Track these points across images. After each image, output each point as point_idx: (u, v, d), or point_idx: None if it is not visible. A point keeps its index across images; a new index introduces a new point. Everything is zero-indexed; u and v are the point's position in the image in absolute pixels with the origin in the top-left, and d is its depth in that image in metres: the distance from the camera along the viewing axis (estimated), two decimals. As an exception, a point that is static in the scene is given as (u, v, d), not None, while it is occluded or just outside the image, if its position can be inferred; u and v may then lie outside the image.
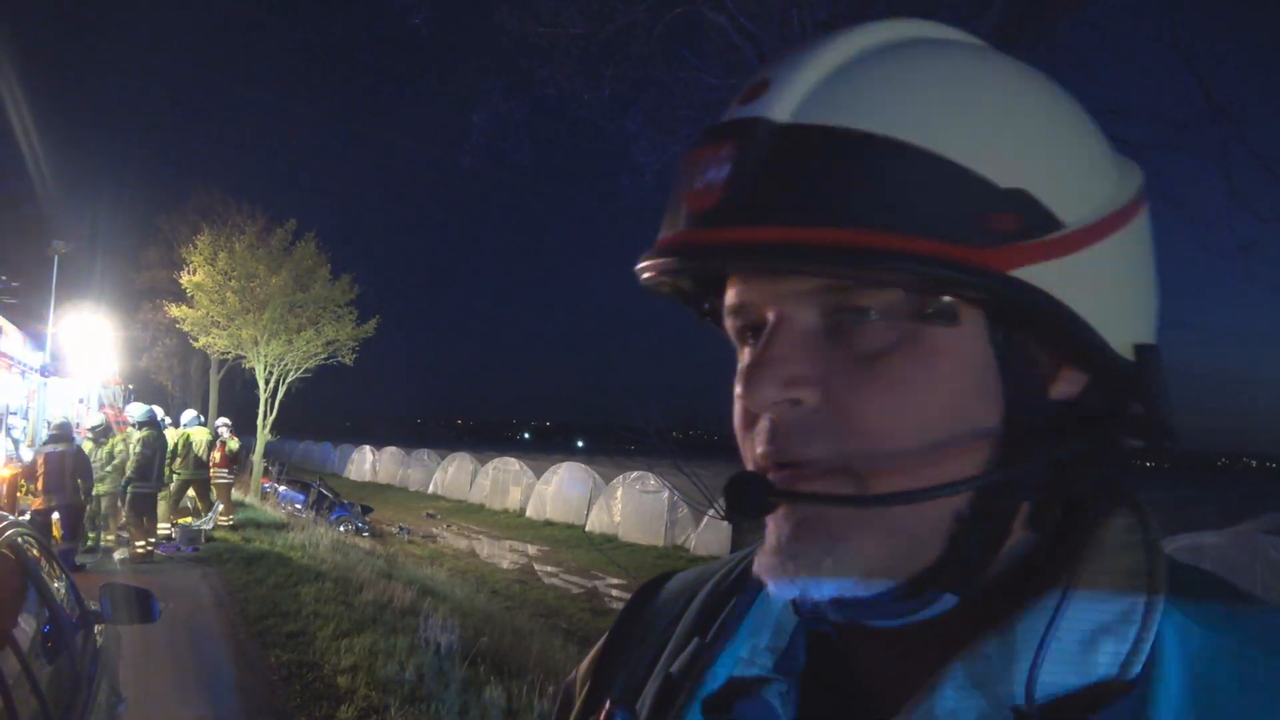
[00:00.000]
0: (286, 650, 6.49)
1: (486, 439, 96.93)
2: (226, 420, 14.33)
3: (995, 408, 0.48)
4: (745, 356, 0.52)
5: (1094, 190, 0.49)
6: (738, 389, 0.50)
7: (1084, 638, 0.45)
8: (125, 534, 10.40)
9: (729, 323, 0.54)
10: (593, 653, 0.72)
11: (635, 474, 22.01)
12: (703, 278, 0.56)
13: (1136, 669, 0.44)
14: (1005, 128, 0.47)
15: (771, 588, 0.50)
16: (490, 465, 29.44)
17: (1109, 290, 0.49)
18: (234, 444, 13.46)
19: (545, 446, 56.41)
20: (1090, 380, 0.50)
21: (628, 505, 21.77)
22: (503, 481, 28.48)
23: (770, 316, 0.50)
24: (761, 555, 0.51)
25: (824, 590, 0.48)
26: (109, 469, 10.33)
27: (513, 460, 28.74)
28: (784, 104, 0.47)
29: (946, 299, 0.46)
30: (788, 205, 0.45)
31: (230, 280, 21.93)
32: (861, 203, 0.44)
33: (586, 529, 22.76)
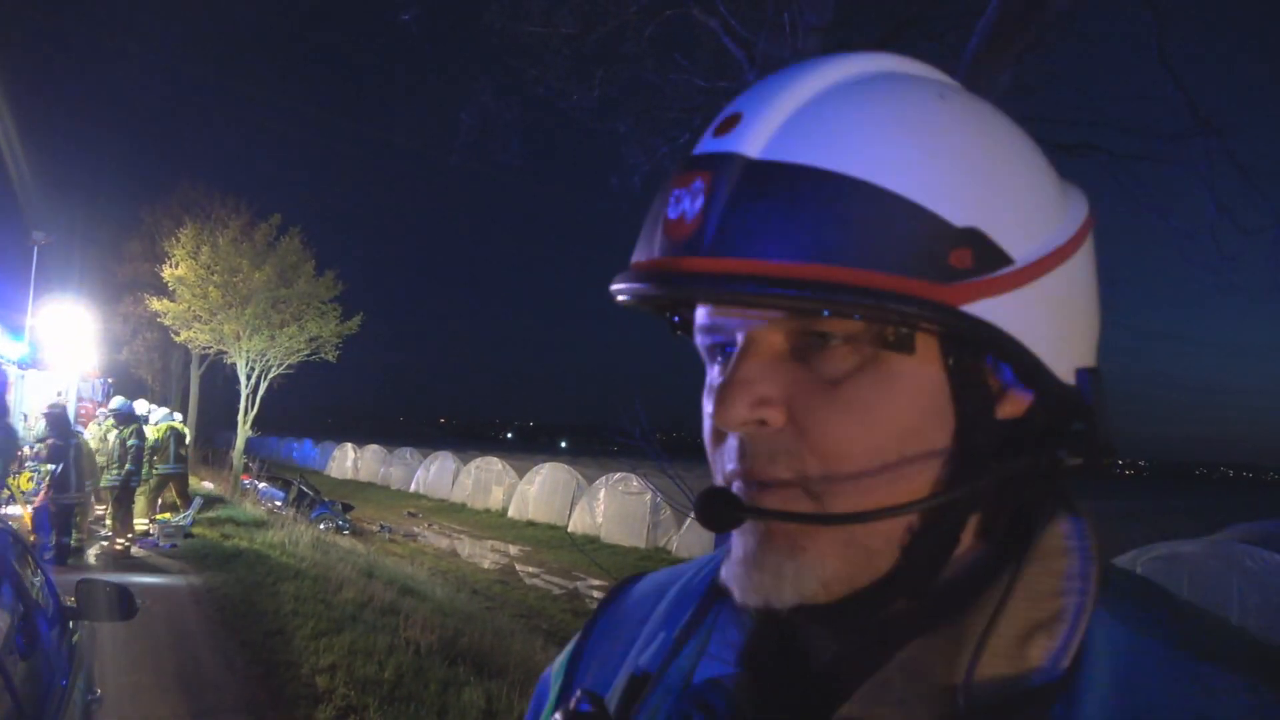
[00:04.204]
0: (264, 648, 6.44)
1: (469, 438, 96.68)
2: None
3: (947, 428, 0.52)
4: (714, 374, 0.55)
5: (1041, 226, 0.52)
6: (707, 408, 0.54)
7: (1020, 634, 0.49)
8: (99, 529, 10.30)
9: (700, 340, 0.57)
10: (567, 649, 0.75)
11: (618, 475, 22.01)
12: (683, 298, 0.58)
13: (1065, 664, 0.48)
14: (961, 169, 0.50)
15: (737, 596, 0.54)
16: (473, 464, 29.35)
17: (1053, 319, 0.52)
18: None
19: (528, 446, 56.29)
20: (1035, 401, 0.53)
21: (610, 506, 21.76)
22: (485, 481, 28.40)
23: (740, 338, 0.53)
24: (728, 565, 0.55)
25: (785, 598, 0.52)
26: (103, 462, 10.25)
27: (495, 460, 28.66)
28: (755, 140, 0.50)
29: (905, 329, 0.49)
30: (757, 239, 0.48)
31: (213, 274, 21.77)
32: (827, 239, 0.47)
33: (569, 530, 22.72)
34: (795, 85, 0.52)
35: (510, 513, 25.75)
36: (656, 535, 20.27)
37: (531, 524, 24.26)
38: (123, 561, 9.72)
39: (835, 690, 0.53)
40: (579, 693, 0.64)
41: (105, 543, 10.16)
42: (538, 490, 25.29)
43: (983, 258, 0.49)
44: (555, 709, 0.68)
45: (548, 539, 21.95)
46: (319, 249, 24.09)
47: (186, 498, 12.52)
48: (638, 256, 0.54)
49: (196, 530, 12.06)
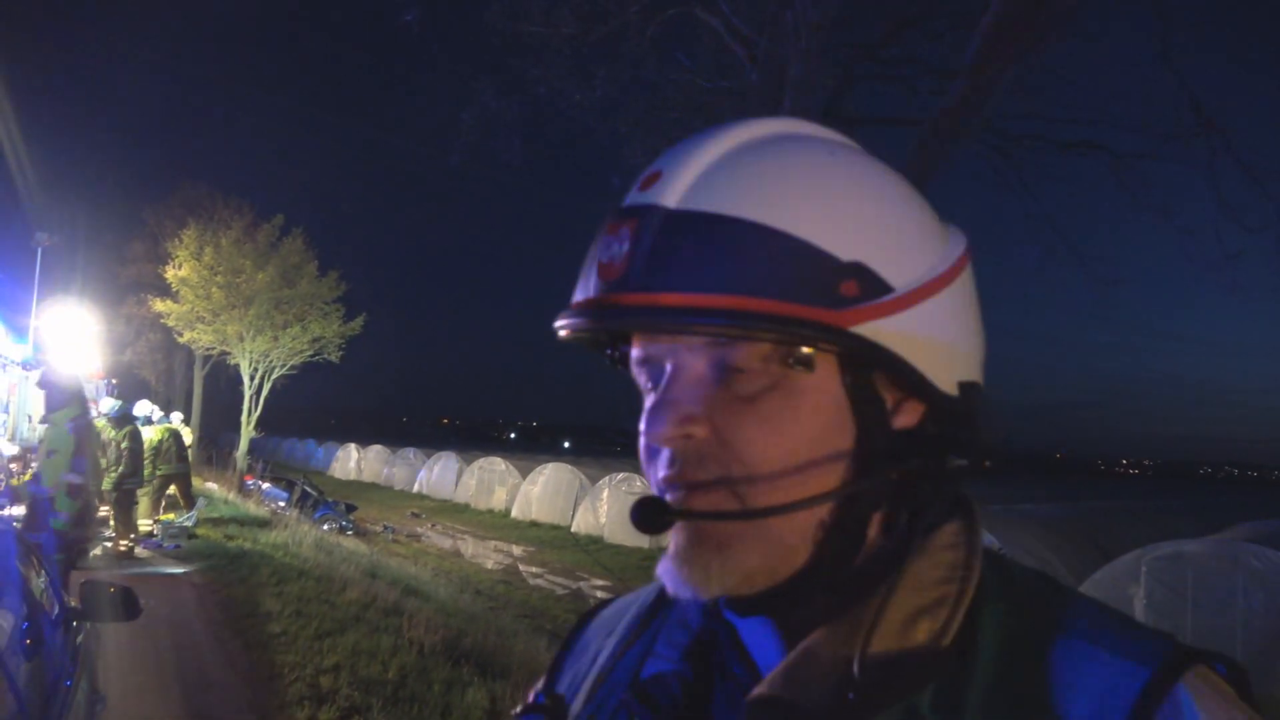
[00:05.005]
0: (268, 649, 6.45)
1: (472, 438, 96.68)
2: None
3: (849, 435, 0.59)
4: (648, 400, 0.63)
5: (919, 260, 0.60)
6: (641, 426, 0.61)
7: (906, 617, 0.57)
8: (103, 530, 10.30)
9: (635, 371, 0.65)
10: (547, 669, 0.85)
11: (622, 475, 22.02)
12: (613, 332, 0.66)
13: (945, 642, 0.56)
14: (846, 212, 0.58)
15: (669, 589, 0.61)
16: (476, 465, 29.36)
17: (934, 339, 0.59)
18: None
19: (531, 447, 56.32)
20: (926, 411, 0.61)
21: (613, 506, 21.77)
22: (488, 481, 28.42)
23: (668, 366, 0.61)
24: (663, 562, 0.62)
25: (712, 590, 0.59)
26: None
27: (498, 460, 28.69)
28: (672, 193, 0.58)
29: (805, 350, 0.57)
30: (676, 276, 0.56)
31: (216, 275, 21.81)
32: (734, 274, 0.55)
33: (572, 530, 22.74)
34: (707, 146, 0.60)
35: (513, 513, 25.77)
36: (660, 535, 20.25)
37: (535, 524, 24.28)
38: (126, 562, 9.74)
39: (760, 676, 0.61)
40: (536, 689, 0.71)
41: (109, 544, 10.17)
42: (541, 491, 25.31)
43: (867, 286, 0.57)
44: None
45: (551, 539, 21.97)
46: (322, 250, 24.18)
47: (190, 498, 12.54)
48: (576, 297, 0.62)
49: (200, 531, 12.08)
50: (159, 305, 22.47)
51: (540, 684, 0.82)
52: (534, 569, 18.02)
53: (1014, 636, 0.56)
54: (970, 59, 4.77)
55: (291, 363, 23.20)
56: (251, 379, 22.74)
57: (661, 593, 0.73)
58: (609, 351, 0.69)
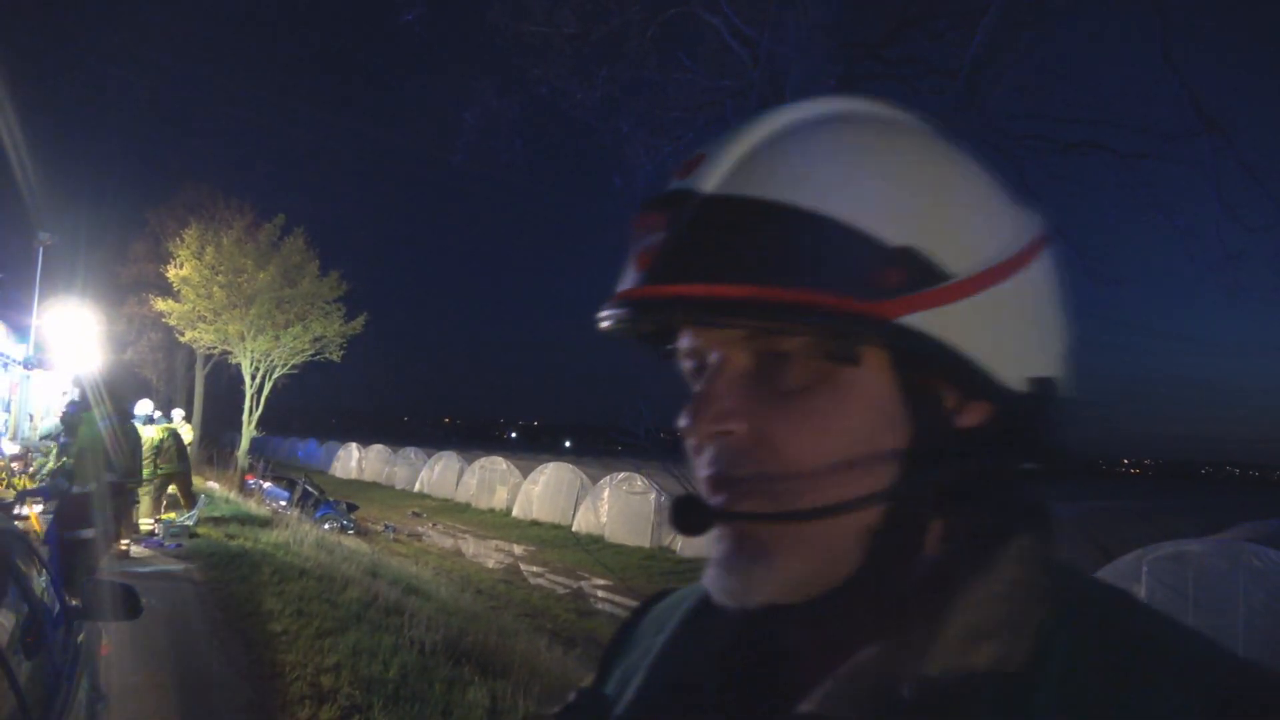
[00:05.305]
0: (269, 648, 6.45)
1: (474, 438, 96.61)
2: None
3: (902, 434, 0.55)
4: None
5: (984, 244, 0.55)
6: (681, 423, 0.58)
7: (966, 637, 0.52)
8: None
9: (682, 364, 0.62)
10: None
11: (622, 475, 22.01)
12: (662, 325, 0.63)
13: (1010, 667, 0.50)
14: (896, 192, 0.54)
15: (714, 597, 0.58)
16: (477, 464, 29.36)
17: (999, 331, 0.55)
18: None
19: (532, 446, 56.29)
20: (992, 409, 0.56)
21: (615, 506, 21.76)
22: (489, 481, 28.42)
23: (713, 359, 0.58)
24: (706, 570, 0.59)
25: (754, 599, 0.56)
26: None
27: (500, 459, 28.68)
28: (710, 177, 0.55)
29: (850, 343, 0.53)
30: (709, 265, 0.53)
31: (217, 275, 21.81)
32: (763, 262, 0.52)
33: (573, 529, 22.73)
34: (755, 128, 0.56)
35: (514, 512, 25.76)
36: (661, 535, 20.25)
37: (536, 524, 24.27)
38: (127, 561, 9.74)
39: (803, 691, 0.57)
40: (575, 689, 0.69)
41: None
42: (542, 490, 25.30)
43: (916, 273, 0.52)
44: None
45: (552, 539, 21.96)
46: (323, 249, 24.16)
47: (191, 497, 12.54)
48: (619, 287, 0.59)
49: (201, 530, 12.08)
50: (160, 304, 22.47)
51: (586, 681, 0.78)
52: (535, 568, 18.02)
53: (1088, 664, 0.50)
54: (971, 58, 4.77)
55: (293, 362, 23.19)
56: (253, 378, 22.74)
57: (706, 593, 0.70)
58: (662, 345, 0.65)
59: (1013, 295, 0.56)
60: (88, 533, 5.69)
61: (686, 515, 0.57)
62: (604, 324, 0.60)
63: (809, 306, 0.51)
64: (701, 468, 0.58)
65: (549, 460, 26.61)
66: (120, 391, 6.88)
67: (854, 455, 0.54)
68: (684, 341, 0.61)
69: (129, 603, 3.22)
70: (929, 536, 0.57)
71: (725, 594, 0.57)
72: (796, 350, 0.54)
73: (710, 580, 0.58)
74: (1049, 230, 0.60)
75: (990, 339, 0.54)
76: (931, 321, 0.52)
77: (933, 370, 0.54)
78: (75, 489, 5.86)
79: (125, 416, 8.90)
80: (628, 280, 0.58)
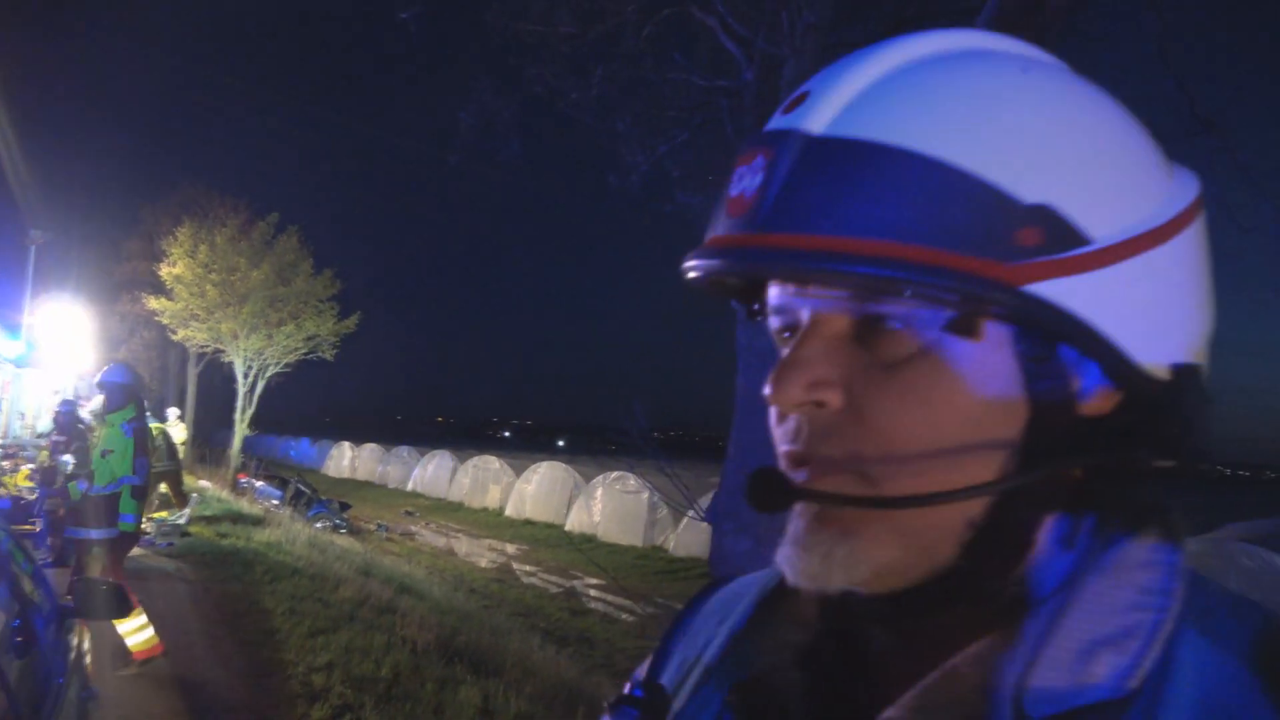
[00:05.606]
0: (261, 647, 6.43)
1: (467, 437, 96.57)
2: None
3: (1016, 419, 0.49)
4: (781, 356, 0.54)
5: (1131, 207, 0.49)
6: (766, 389, 0.51)
7: (1083, 647, 0.46)
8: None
9: (771, 321, 0.55)
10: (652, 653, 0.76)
11: (616, 474, 22.02)
12: (751, 279, 0.57)
13: (1133, 684, 0.44)
14: (1033, 143, 0.47)
15: (788, 577, 0.52)
16: (470, 463, 29.35)
17: (1140, 308, 0.48)
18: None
19: (526, 445, 56.29)
20: (1124, 398, 0.50)
21: (608, 505, 21.78)
22: (482, 480, 28.41)
23: (804, 319, 0.52)
24: (781, 548, 0.53)
25: (835, 582, 0.50)
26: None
27: (493, 458, 28.67)
28: (819, 117, 0.49)
29: (975, 312, 0.47)
30: (809, 214, 0.47)
31: (211, 273, 21.76)
32: (880, 214, 0.46)
33: (566, 528, 22.74)
34: (866, 63, 0.50)
35: (507, 511, 25.76)
36: (654, 534, 20.28)
37: (529, 523, 24.27)
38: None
39: (887, 693, 0.52)
40: (634, 680, 0.64)
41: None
42: (535, 489, 25.30)
43: (1054, 236, 0.46)
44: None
45: (545, 538, 21.96)
46: (317, 248, 24.11)
47: (181, 496, 12.50)
48: (707, 236, 0.54)
49: (193, 529, 12.05)
50: (153, 303, 22.39)
51: (641, 671, 0.71)
52: (528, 567, 18.02)
53: (1219, 682, 0.44)
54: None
55: (286, 361, 23.15)
56: (245, 377, 22.69)
57: (782, 582, 0.62)
58: (749, 302, 0.59)
59: (1161, 267, 0.49)
60: (109, 533, 5.67)
61: (765, 491, 0.51)
62: (691, 274, 0.54)
63: (936, 267, 0.45)
64: (783, 440, 0.52)
65: (542, 459, 26.63)
66: (141, 393, 6.79)
67: (961, 440, 0.48)
68: (773, 297, 0.54)
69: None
70: (1039, 533, 0.51)
71: (801, 575, 0.51)
72: (902, 316, 0.48)
73: (785, 559, 0.52)
74: (1203, 195, 0.54)
75: (1131, 316, 0.48)
76: (1065, 292, 0.46)
77: (1060, 348, 0.49)
78: (94, 490, 5.78)
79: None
80: (719, 226, 0.52)
